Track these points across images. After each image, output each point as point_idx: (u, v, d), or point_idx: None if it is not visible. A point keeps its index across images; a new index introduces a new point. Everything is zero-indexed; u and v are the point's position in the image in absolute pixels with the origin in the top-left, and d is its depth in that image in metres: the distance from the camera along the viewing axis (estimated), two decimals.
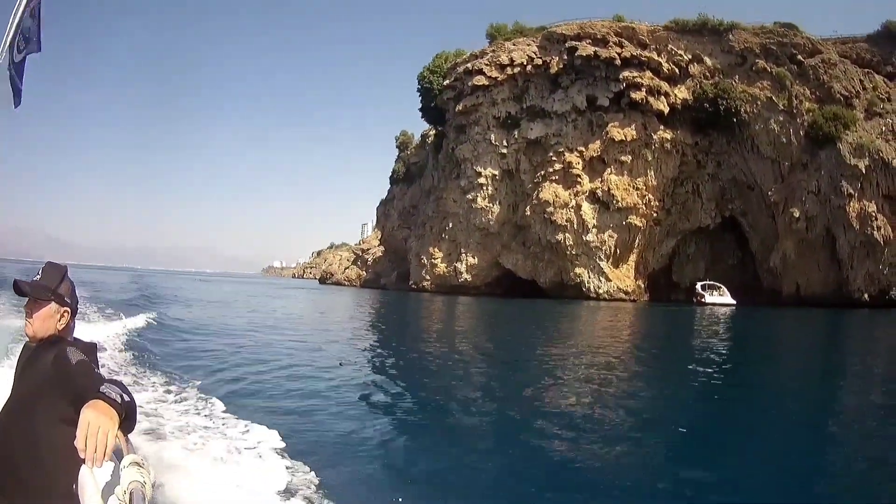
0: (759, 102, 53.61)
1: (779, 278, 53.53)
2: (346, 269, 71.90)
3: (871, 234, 48.32)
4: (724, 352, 18.06)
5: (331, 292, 58.31)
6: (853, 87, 53.74)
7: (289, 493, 4.82)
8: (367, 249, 74.67)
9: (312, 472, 5.25)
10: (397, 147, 69.27)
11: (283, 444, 5.95)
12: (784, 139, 52.98)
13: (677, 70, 55.14)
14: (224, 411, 7.14)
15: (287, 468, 5.34)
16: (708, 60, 55.51)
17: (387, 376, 11.34)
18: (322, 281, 75.30)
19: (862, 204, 48.84)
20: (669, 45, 55.68)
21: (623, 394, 10.43)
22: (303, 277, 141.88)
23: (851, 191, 48.97)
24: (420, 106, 60.69)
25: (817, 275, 52.78)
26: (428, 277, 57.41)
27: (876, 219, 48.54)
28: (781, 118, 53.13)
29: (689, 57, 55.67)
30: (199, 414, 7.02)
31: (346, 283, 70.84)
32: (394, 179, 65.79)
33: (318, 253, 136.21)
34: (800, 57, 54.90)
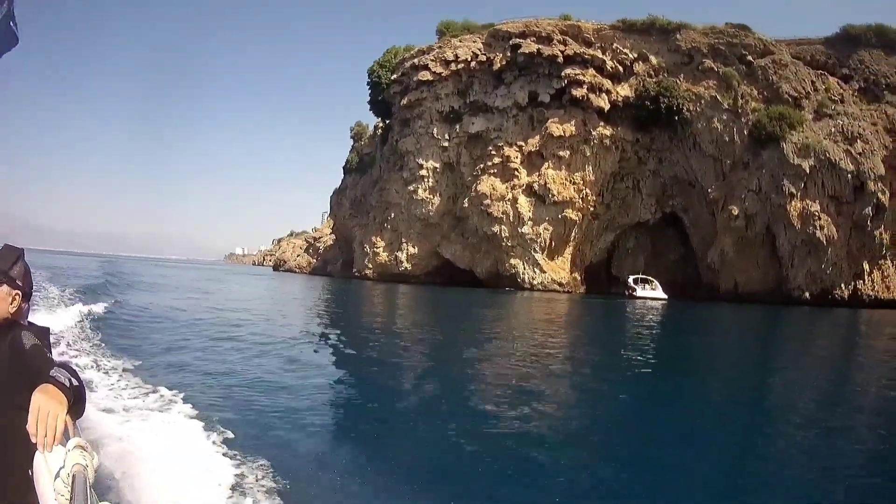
0: (702, 101, 54.40)
1: (717, 274, 54.28)
2: (297, 256, 73.60)
3: (812, 234, 48.73)
4: (621, 343, 18.61)
5: (273, 279, 59.47)
6: (803, 87, 54.24)
7: (236, 486, 4.89)
8: (319, 238, 76.14)
9: (253, 461, 5.32)
10: (352, 137, 70.57)
11: (222, 430, 6.05)
12: (727, 138, 53.62)
13: (621, 68, 56.23)
14: (171, 400, 7.21)
15: (228, 459, 5.41)
16: (653, 59, 56.45)
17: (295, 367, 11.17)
18: (276, 268, 77.14)
19: (805, 203, 49.33)
20: (615, 44, 56.78)
21: (534, 386, 10.70)
22: (262, 264, 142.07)
23: (793, 190, 49.42)
24: (369, 99, 62.02)
25: (756, 272, 53.43)
26: (370, 266, 58.57)
27: (819, 218, 48.99)
28: (725, 117, 53.81)
29: (635, 55, 56.72)
30: (144, 401, 7.09)
31: (298, 270, 72.30)
32: (347, 169, 67.18)
33: (279, 241, 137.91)
34: (749, 57, 55.57)
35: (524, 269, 53.02)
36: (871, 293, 51.78)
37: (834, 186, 50.56)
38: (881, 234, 51.78)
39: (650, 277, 52.95)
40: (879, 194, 50.15)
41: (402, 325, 21.31)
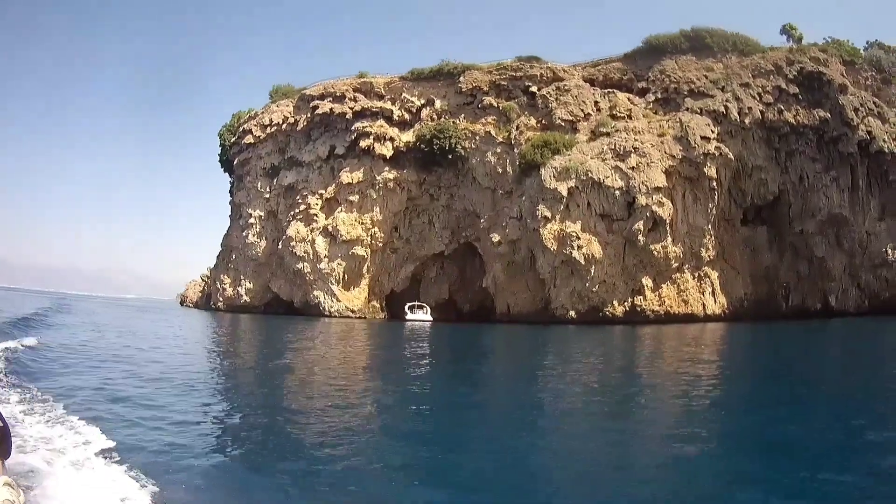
0: (478, 137, 60.31)
1: (494, 298, 60.02)
2: (194, 293, 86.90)
3: (570, 254, 50.94)
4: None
5: (158, 312, 72.12)
6: (582, 110, 57.59)
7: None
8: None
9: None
10: None
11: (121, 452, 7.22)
12: (500, 170, 58.83)
13: (408, 115, 63.74)
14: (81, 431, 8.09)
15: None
16: (439, 103, 63.32)
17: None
18: (181, 303, 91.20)
19: (563, 225, 51.37)
20: (404, 94, 64.39)
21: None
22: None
23: (548, 213, 51.64)
24: (219, 159, 73.67)
25: (526, 294, 57.33)
26: (221, 299, 70.15)
27: (578, 238, 50.83)
28: (499, 150, 59.01)
29: (423, 102, 63.98)
30: (63, 436, 7.87)
31: (190, 305, 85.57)
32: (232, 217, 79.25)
33: None
34: (533, 88, 60.33)
35: (324, 299, 62.28)
36: (656, 308, 52.38)
37: (602, 205, 52.90)
38: (664, 247, 53.27)
39: (423, 304, 60.37)
40: (655, 207, 50.67)
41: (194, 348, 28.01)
